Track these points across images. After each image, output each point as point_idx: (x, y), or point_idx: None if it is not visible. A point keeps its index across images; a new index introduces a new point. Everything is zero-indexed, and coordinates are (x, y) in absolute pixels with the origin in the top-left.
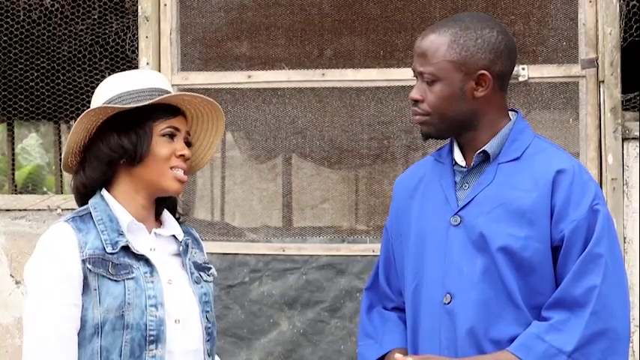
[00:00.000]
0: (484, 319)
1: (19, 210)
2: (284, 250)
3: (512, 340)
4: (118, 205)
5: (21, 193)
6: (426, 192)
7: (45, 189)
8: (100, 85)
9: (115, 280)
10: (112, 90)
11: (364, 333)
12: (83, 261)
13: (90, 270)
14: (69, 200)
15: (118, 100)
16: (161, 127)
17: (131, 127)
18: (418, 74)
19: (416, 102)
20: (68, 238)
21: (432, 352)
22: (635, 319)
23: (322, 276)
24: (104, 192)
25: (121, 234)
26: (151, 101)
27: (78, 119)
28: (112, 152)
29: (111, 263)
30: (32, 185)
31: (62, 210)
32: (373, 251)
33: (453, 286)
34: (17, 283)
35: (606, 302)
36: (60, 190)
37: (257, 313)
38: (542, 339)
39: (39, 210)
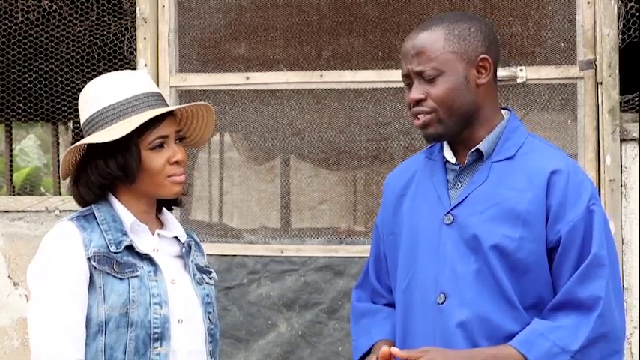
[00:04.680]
0: (478, 318)
1: (17, 211)
2: (282, 252)
3: (508, 338)
4: (121, 206)
5: (19, 194)
6: (417, 190)
7: (43, 190)
8: (83, 93)
9: (120, 278)
10: (95, 103)
11: (358, 314)
12: (88, 259)
13: (95, 267)
14: (67, 202)
15: (101, 118)
16: (148, 140)
17: (116, 149)
18: (416, 74)
19: (418, 102)
20: (73, 237)
21: None
22: (634, 321)
23: (320, 277)
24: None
25: (125, 234)
26: (127, 131)
27: (65, 153)
28: (102, 179)
29: (115, 261)
30: (30, 187)
31: (60, 211)
32: None
33: (446, 285)
34: (15, 284)
35: (610, 305)
36: (58, 192)
37: (255, 315)
38: (546, 337)
39: (37, 211)
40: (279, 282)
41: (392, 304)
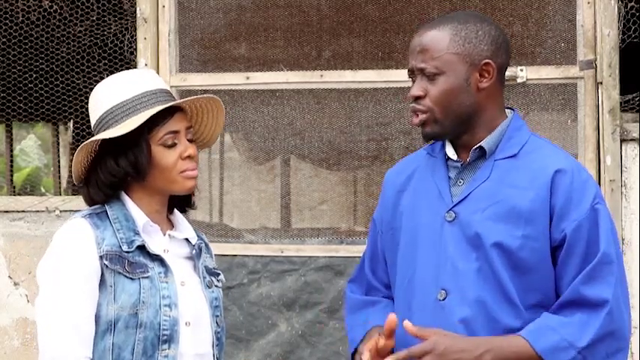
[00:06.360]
0: (480, 315)
1: (18, 211)
2: (282, 252)
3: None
4: (134, 205)
5: (19, 194)
6: (418, 186)
7: (43, 190)
8: (92, 95)
9: (131, 278)
10: (104, 103)
11: (354, 306)
12: (101, 257)
13: (107, 266)
14: (67, 202)
15: (110, 117)
16: (159, 135)
17: (127, 146)
18: (418, 71)
19: (417, 99)
20: (86, 234)
21: None
22: (634, 321)
23: (321, 277)
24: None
25: (137, 233)
26: (135, 125)
27: (75, 154)
28: (112, 177)
29: (127, 261)
30: (30, 187)
31: (60, 211)
32: None
33: (448, 282)
34: (15, 284)
35: (619, 303)
36: (58, 192)
37: (255, 315)
38: (556, 330)
39: (37, 211)
40: (279, 282)
41: (389, 299)
